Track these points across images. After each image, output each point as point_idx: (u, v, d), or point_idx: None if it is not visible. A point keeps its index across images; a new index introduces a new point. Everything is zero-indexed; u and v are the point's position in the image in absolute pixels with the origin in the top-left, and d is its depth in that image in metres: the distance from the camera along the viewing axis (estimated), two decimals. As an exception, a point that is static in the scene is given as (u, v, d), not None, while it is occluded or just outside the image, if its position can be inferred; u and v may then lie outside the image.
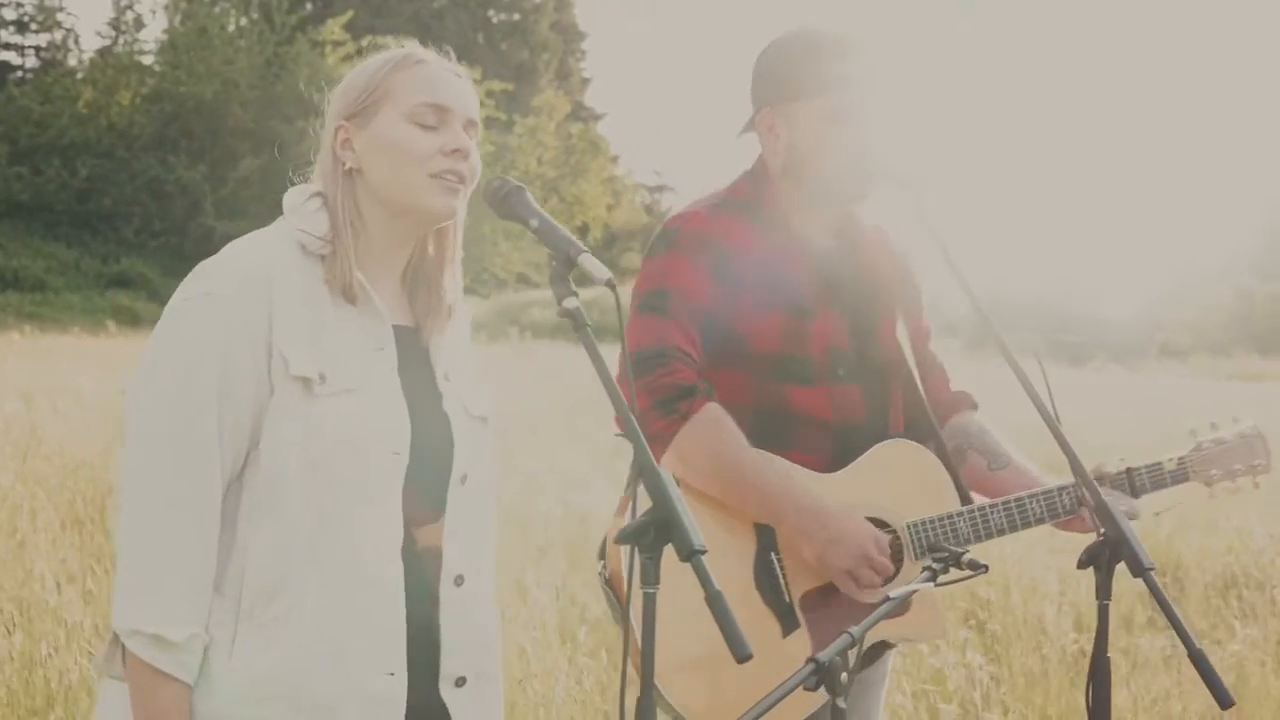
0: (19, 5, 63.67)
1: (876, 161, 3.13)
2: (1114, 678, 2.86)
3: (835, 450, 3.15)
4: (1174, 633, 2.69)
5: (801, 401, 3.13)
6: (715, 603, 2.12)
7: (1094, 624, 2.74)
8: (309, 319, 2.37)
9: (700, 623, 2.91)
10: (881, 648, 3.25)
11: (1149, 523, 4.78)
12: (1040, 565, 7.08)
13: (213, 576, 2.32)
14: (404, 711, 2.41)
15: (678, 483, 2.26)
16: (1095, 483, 2.82)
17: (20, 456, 9.48)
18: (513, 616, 5.85)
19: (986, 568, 2.78)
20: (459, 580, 2.49)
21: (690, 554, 2.16)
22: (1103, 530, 2.76)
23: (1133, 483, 3.28)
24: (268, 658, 2.31)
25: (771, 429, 3.12)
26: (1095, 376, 29.23)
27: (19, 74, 59.65)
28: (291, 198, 2.52)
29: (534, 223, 2.42)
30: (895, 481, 3.16)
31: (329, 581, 2.34)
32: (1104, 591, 2.77)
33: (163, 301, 2.51)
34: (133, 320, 36.13)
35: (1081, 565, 2.81)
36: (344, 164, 2.49)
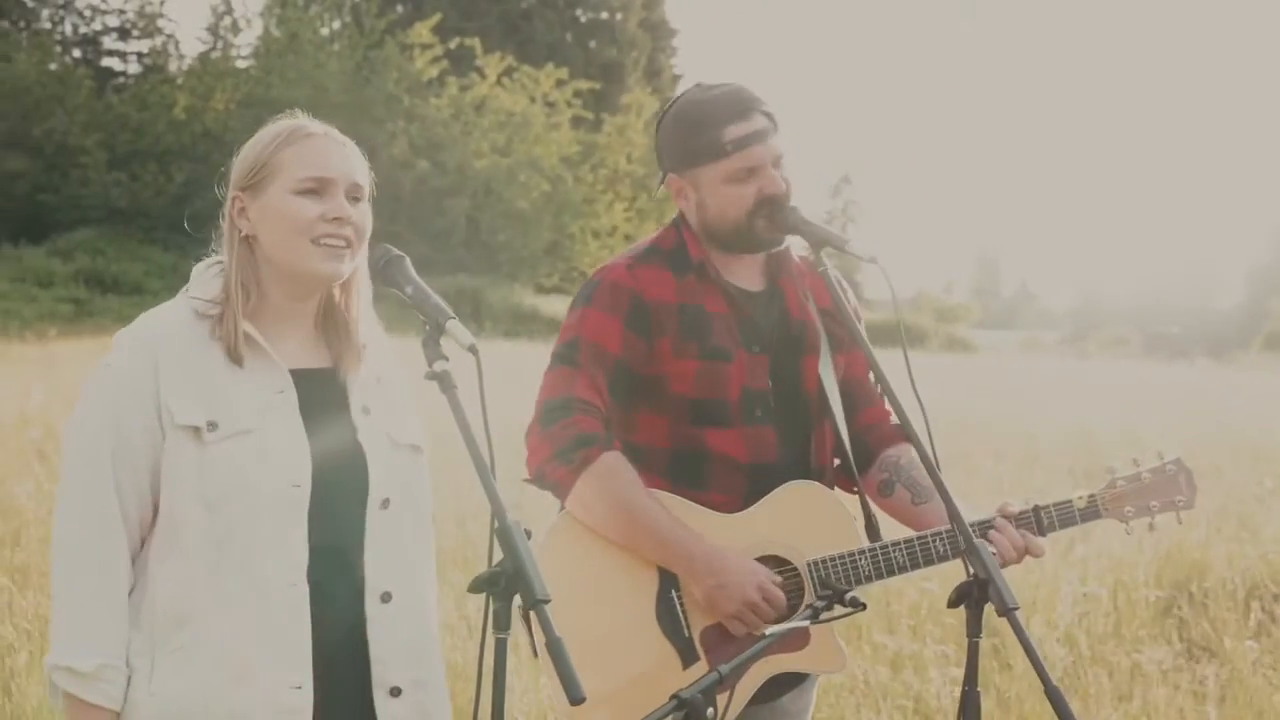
0: (121, 12, 64.97)
1: (780, 213, 3.24)
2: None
3: (749, 490, 3.27)
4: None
5: (716, 443, 3.26)
6: (554, 648, 2.30)
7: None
8: (199, 375, 2.66)
9: (605, 659, 3.07)
10: (795, 679, 3.34)
11: (1177, 530, 4.78)
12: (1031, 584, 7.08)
13: (124, 613, 2.62)
14: None
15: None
16: (966, 525, 2.92)
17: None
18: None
19: (865, 606, 2.91)
20: (385, 597, 2.75)
21: (534, 604, 2.37)
22: (972, 570, 2.86)
23: (1039, 521, 3.36)
24: (181, 681, 2.60)
25: (688, 469, 3.26)
26: (1186, 372, 28.87)
27: (121, 79, 60.84)
28: (197, 268, 2.84)
29: (409, 289, 2.69)
30: (798, 521, 3.27)
31: (231, 607, 2.61)
32: (974, 629, 2.88)
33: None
34: (227, 323, 36.68)
35: (951, 604, 2.92)
36: (240, 231, 2.78)
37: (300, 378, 2.76)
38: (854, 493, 3.43)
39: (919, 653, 5.90)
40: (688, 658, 3.19)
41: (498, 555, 2.44)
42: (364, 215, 2.80)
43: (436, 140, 47.95)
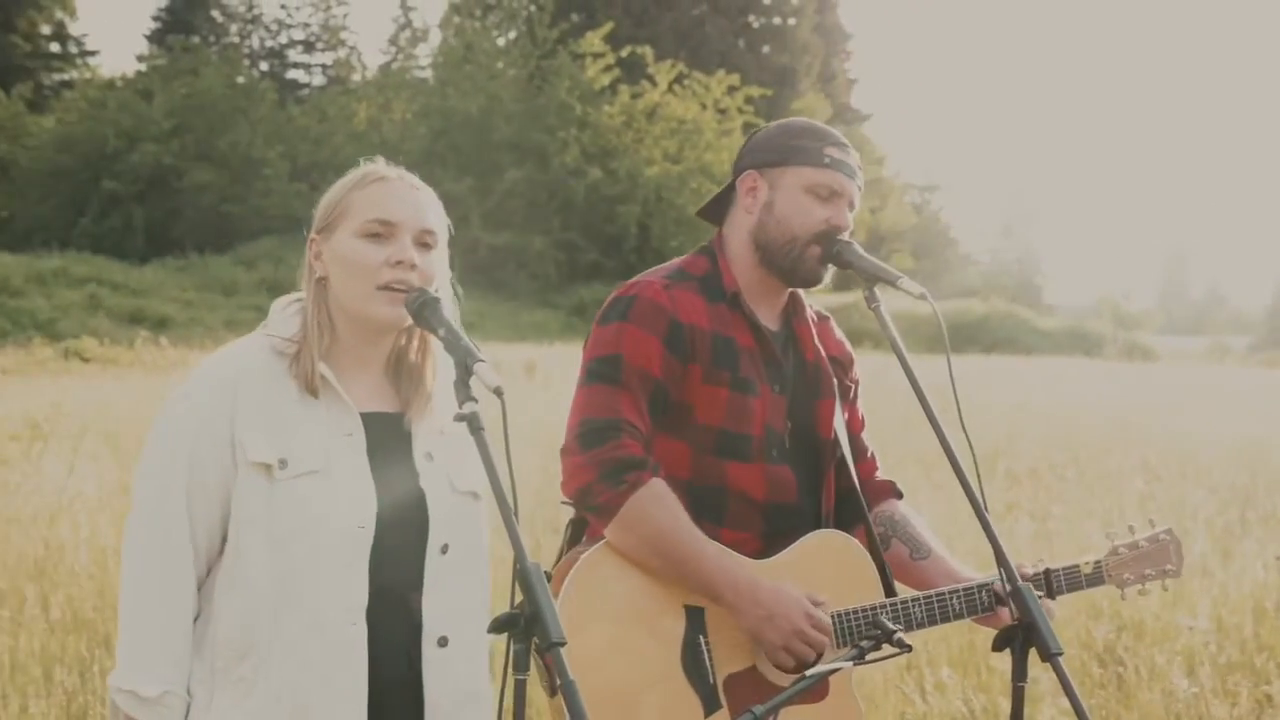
0: (306, 26, 66.62)
1: (834, 244, 3.23)
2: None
3: (765, 529, 3.25)
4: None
5: (737, 478, 3.22)
6: (567, 690, 2.31)
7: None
8: (273, 412, 2.72)
9: (628, 703, 3.05)
10: None
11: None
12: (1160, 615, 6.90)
13: (188, 642, 2.69)
14: None
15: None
16: (1012, 567, 2.89)
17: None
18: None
19: (911, 648, 2.89)
20: (442, 641, 2.79)
21: (549, 646, 2.38)
22: (1017, 615, 2.83)
23: (1049, 583, 3.35)
24: (240, 712, 2.66)
25: (706, 503, 3.21)
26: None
27: (305, 91, 62.38)
28: (275, 306, 2.88)
29: (441, 332, 2.68)
30: (824, 571, 3.24)
31: (291, 643, 2.66)
32: (1019, 674, 2.85)
33: None
34: (401, 328, 37.31)
35: (996, 648, 2.88)
36: (315, 273, 2.82)
37: (368, 421, 2.78)
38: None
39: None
40: (710, 705, 3.14)
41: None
42: (433, 262, 2.80)
43: (608, 148, 48.32)
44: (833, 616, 3.19)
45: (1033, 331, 44.46)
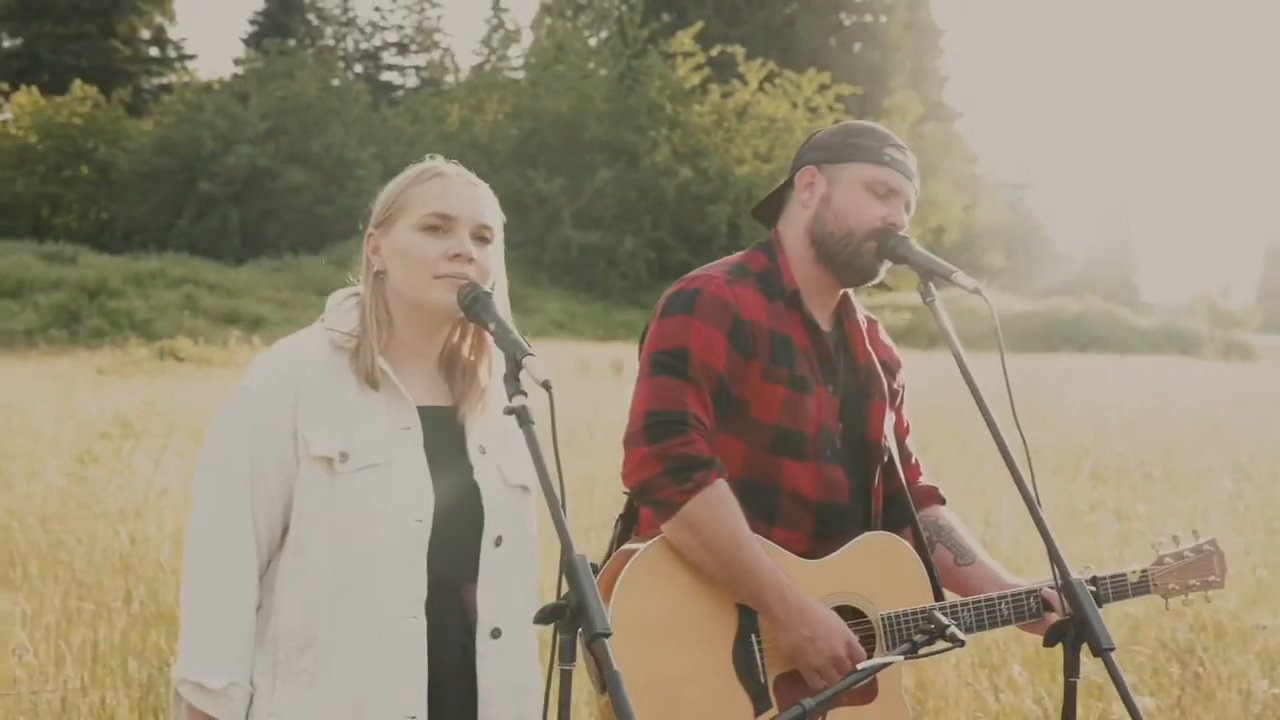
0: (400, 28, 67.30)
1: (889, 239, 3.22)
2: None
3: (816, 529, 3.23)
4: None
5: (791, 477, 3.21)
6: (610, 681, 2.33)
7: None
8: (334, 406, 2.74)
9: (677, 699, 3.06)
10: None
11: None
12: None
13: (251, 634, 2.72)
14: None
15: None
16: (1065, 563, 2.86)
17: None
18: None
19: (964, 642, 2.87)
20: (495, 633, 2.81)
21: (594, 637, 2.38)
22: (1069, 610, 2.80)
23: (1097, 590, 3.29)
24: (302, 704, 2.69)
25: (757, 501, 3.19)
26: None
27: (399, 93, 63.00)
28: (332, 300, 2.91)
29: (491, 326, 2.69)
30: (874, 573, 3.23)
31: (352, 637, 2.69)
32: (1071, 669, 2.82)
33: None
34: (492, 330, 37.51)
35: (1048, 643, 2.86)
36: (373, 267, 2.85)
37: (424, 415, 2.80)
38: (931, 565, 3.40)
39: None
40: (760, 704, 3.13)
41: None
42: (489, 256, 2.82)
43: (698, 147, 48.37)
44: (882, 618, 3.19)
45: (1128, 330, 43.95)
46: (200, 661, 2.67)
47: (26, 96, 51.51)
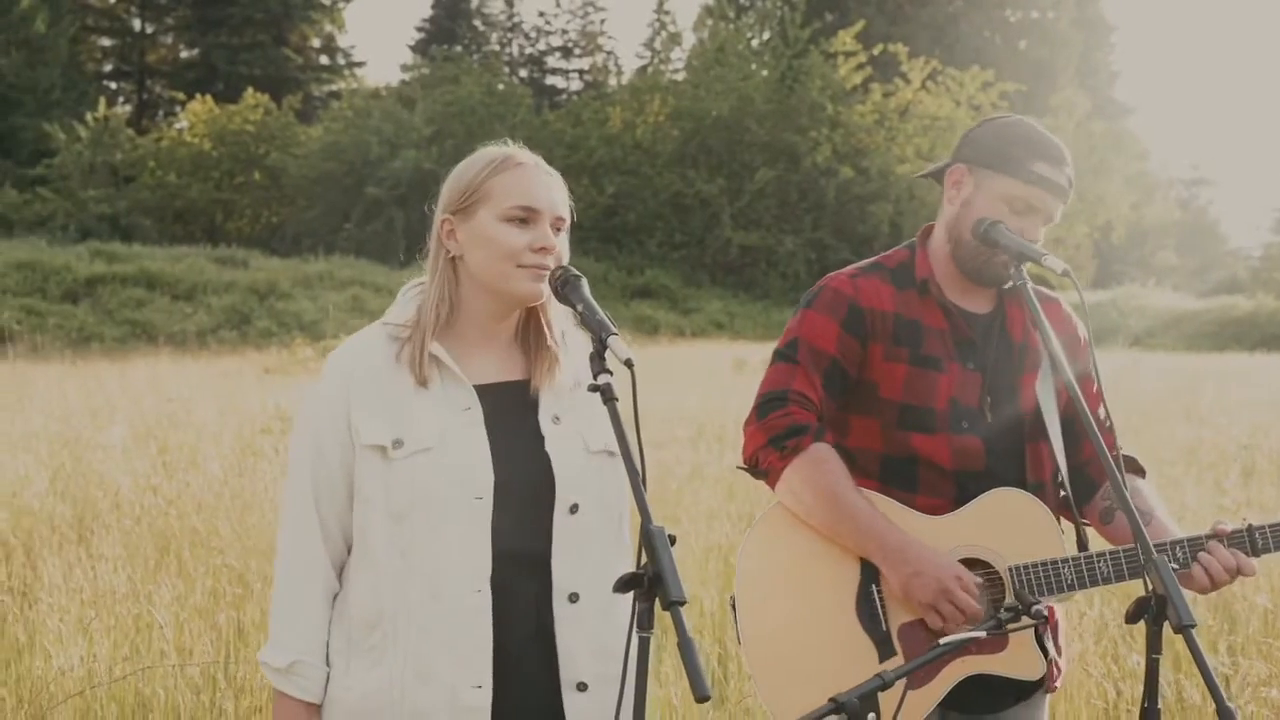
0: (564, 32, 67.94)
1: (981, 224, 3.29)
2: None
3: (958, 495, 3.32)
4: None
5: (924, 448, 3.33)
6: (684, 649, 2.38)
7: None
8: (388, 395, 2.90)
9: (803, 646, 3.14)
10: (1019, 689, 3.33)
11: None
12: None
13: (319, 614, 2.93)
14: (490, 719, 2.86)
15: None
16: (1147, 539, 2.83)
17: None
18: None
19: (1046, 619, 2.86)
20: (573, 597, 2.92)
21: (669, 604, 2.44)
22: (1150, 585, 2.78)
23: (1253, 541, 3.27)
24: (373, 678, 2.87)
25: (899, 473, 3.35)
26: None
27: (563, 96, 63.61)
28: (401, 291, 3.08)
29: (580, 307, 2.80)
30: (1004, 526, 3.29)
31: (416, 613, 2.85)
32: (1154, 646, 2.80)
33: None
34: (652, 329, 37.81)
35: (1129, 620, 2.83)
36: (448, 252, 2.98)
37: (489, 392, 2.93)
38: (1080, 524, 3.38)
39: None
40: (884, 651, 3.25)
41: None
42: (564, 244, 2.96)
43: (860, 147, 48.12)
44: (1010, 569, 3.25)
45: (1304, 329, 42.69)
46: (272, 643, 2.92)
47: (202, 105, 52.92)
